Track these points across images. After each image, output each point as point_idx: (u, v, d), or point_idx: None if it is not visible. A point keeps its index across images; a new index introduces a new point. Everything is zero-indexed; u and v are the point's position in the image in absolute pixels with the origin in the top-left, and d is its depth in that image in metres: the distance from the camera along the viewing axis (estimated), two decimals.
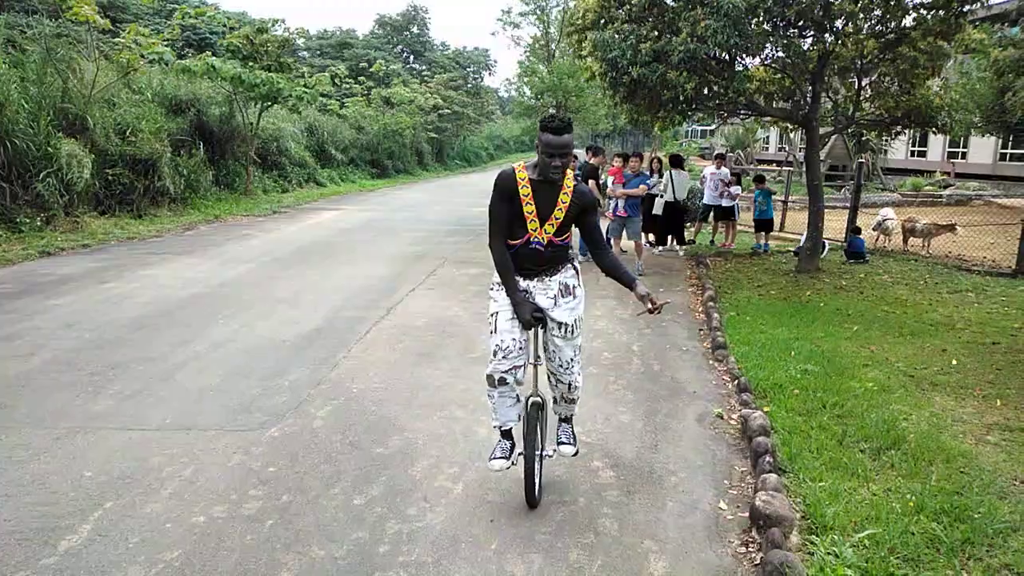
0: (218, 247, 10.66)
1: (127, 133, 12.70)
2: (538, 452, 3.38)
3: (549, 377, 3.51)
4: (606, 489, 3.62)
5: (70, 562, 2.88)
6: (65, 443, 3.93)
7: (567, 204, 3.19)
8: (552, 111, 37.44)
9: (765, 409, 4.54)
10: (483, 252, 10.67)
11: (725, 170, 12.30)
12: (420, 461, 3.85)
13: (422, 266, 9.55)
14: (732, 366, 5.51)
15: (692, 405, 4.82)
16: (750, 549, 3.11)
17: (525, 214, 3.19)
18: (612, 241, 9.77)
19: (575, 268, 3.45)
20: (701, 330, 6.79)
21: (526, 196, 3.17)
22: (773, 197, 12.43)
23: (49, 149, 10.66)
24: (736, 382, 5.15)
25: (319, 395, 4.75)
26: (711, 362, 5.80)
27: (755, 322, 6.84)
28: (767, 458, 3.72)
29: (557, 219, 3.20)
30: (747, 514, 3.33)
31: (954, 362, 5.78)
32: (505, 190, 3.20)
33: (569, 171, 3.20)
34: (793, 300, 7.98)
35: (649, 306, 3.27)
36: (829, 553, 2.96)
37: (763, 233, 11.94)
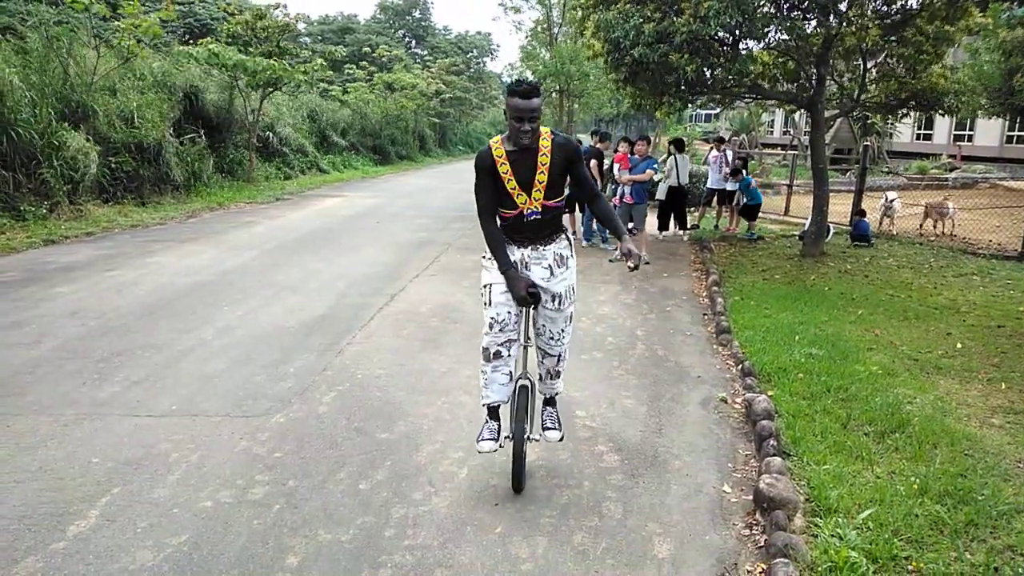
0: (222, 234, 10.67)
1: (130, 121, 12.68)
2: (526, 435, 3.36)
3: (537, 353, 3.49)
4: (610, 473, 3.63)
5: (79, 546, 2.90)
6: (72, 430, 3.95)
7: (547, 164, 3.10)
8: (555, 95, 37.20)
9: (769, 393, 4.54)
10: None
11: (729, 152, 12.23)
12: (425, 446, 3.87)
13: (426, 253, 9.55)
14: (736, 350, 5.51)
15: (696, 389, 4.82)
16: (754, 532, 3.12)
17: (509, 190, 3.15)
18: None
19: (568, 239, 3.41)
20: (705, 315, 6.78)
21: (505, 172, 3.12)
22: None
23: (53, 140, 10.66)
24: (740, 366, 5.15)
25: (324, 381, 4.77)
26: (715, 347, 5.80)
27: (759, 307, 6.83)
28: (771, 441, 3.73)
29: (542, 183, 3.12)
30: (751, 497, 3.34)
31: (959, 345, 5.77)
32: (484, 169, 3.17)
33: (545, 129, 3.13)
34: (797, 284, 7.97)
35: (629, 264, 3.21)
36: (833, 535, 2.97)
37: (746, 221, 11.89)
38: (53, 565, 2.79)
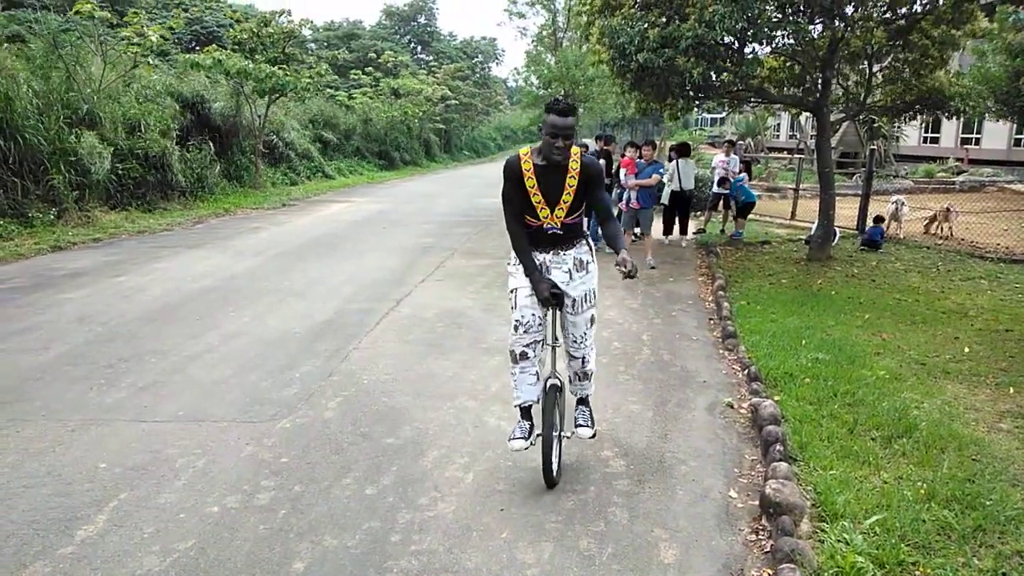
0: (228, 240, 10.71)
1: (136, 128, 12.77)
2: (555, 433, 3.48)
3: (565, 355, 3.64)
4: (616, 478, 3.63)
5: (87, 551, 2.92)
6: (80, 435, 3.97)
7: (575, 186, 3.25)
8: (560, 97, 37.32)
9: (775, 398, 4.52)
10: (492, 243, 10.67)
11: (735, 158, 12.18)
12: (431, 451, 3.87)
13: (431, 258, 9.57)
14: (742, 355, 5.49)
15: (702, 394, 4.81)
16: (760, 537, 3.11)
17: (534, 203, 3.29)
18: (623, 232, 9.74)
19: (589, 244, 3.55)
20: (711, 319, 6.77)
21: (531, 185, 3.27)
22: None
23: (61, 144, 10.75)
24: (746, 371, 5.13)
25: (330, 387, 4.78)
26: (721, 351, 5.78)
27: (766, 311, 6.81)
28: (777, 446, 3.72)
29: (566, 203, 3.29)
30: (757, 502, 3.33)
31: (966, 350, 5.74)
32: (512, 177, 3.31)
33: (576, 149, 3.27)
34: (804, 289, 7.94)
35: (623, 270, 3.27)
36: (840, 540, 2.96)
37: (741, 220, 11.86)
38: (61, 570, 2.80)
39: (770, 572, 2.83)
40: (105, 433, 4.01)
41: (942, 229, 12.02)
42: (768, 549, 3.00)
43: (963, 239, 11.56)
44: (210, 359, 5.28)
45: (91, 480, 3.48)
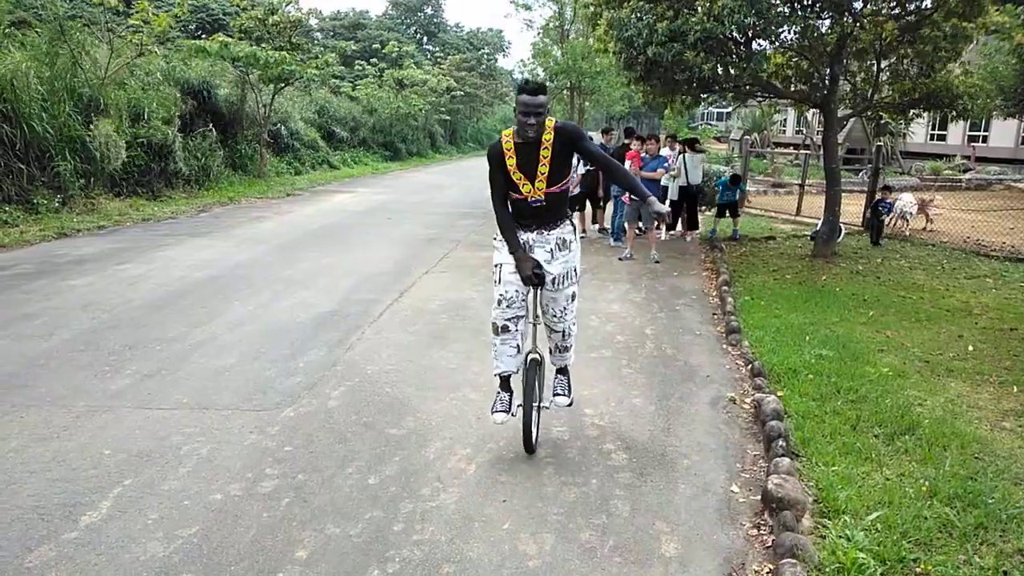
0: (232, 229, 10.72)
1: (141, 116, 12.76)
2: (535, 404, 3.65)
3: (545, 329, 3.77)
4: (618, 471, 3.63)
5: (91, 537, 2.93)
6: (84, 422, 3.99)
7: (549, 156, 3.35)
8: (566, 92, 37.26)
9: (779, 394, 4.52)
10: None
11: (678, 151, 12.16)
12: (433, 442, 3.88)
13: (435, 249, 9.56)
14: (746, 350, 5.49)
15: (705, 389, 4.81)
16: (762, 532, 3.12)
17: (515, 179, 3.42)
18: (627, 226, 9.71)
19: (572, 224, 3.68)
20: (715, 314, 6.76)
21: (511, 163, 3.42)
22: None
23: (68, 131, 10.77)
24: (750, 366, 5.13)
25: (333, 376, 4.79)
26: (725, 346, 5.78)
27: (770, 307, 6.80)
28: (780, 442, 3.72)
29: (543, 173, 3.38)
30: (759, 497, 3.34)
31: (970, 348, 5.73)
32: (494, 159, 3.46)
33: (548, 122, 3.36)
34: (808, 285, 7.93)
35: (662, 225, 3.45)
36: (841, 536, 2.97)
37: (718, 219, 11.75)
38: (66, 555, 2.82)
39: (771, 567, 2.84)
40: (109, 420, 4.02)
41: (917, 222, 12.12)
42: (770, 544, 3.00)
43: (968, 238, 11.51)
44: (214, 347, 5.29)
45: (96, 466, 3.50)
